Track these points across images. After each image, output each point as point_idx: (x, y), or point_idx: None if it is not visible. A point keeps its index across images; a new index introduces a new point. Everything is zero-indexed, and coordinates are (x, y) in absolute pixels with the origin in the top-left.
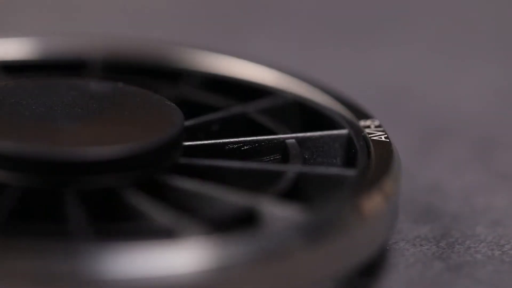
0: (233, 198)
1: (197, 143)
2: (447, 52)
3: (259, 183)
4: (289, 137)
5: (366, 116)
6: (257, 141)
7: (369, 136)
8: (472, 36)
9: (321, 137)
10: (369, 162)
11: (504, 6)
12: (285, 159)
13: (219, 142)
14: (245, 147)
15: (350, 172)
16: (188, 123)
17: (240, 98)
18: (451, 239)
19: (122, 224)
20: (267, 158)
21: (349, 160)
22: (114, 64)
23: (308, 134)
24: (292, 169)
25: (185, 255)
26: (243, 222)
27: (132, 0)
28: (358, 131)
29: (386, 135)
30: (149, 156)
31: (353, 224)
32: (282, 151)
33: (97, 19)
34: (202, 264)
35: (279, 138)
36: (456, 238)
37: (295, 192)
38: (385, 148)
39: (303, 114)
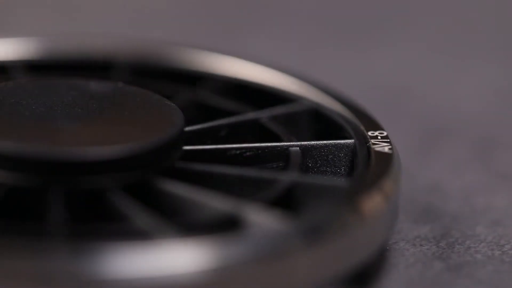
0: (217, 204)
1: (197, 148)
2: (447, 52)
3: (251, 190)
4: (293, 145)
5: (375, 127)
6: (260, 148)
7: (373, 146)
8: (472, 36)
9: (326, 146)
10: (366, 173)
11: (504, 6)
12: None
13: (221, 148)
14: (248, 154)
15: (342, 183)
16: (195, 127)
17: (256, 104)
18: (451, 239)
19: (118, 224)
20: (270, 165)
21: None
22: (137, 67)
23: (313, 142)
24: (284, 178)
25: (176, 257)
26: (227, 227)
27: (132, 0)
28: (363, 141)
29: (390, 147)
30: (147, 157)
31: (353, 224)
32: (285, 158)
33: (97, 19)
34: (201, 264)
35: (283, 146)
36: (456, 238)
37: (290, 199)
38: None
39: (316, 121)
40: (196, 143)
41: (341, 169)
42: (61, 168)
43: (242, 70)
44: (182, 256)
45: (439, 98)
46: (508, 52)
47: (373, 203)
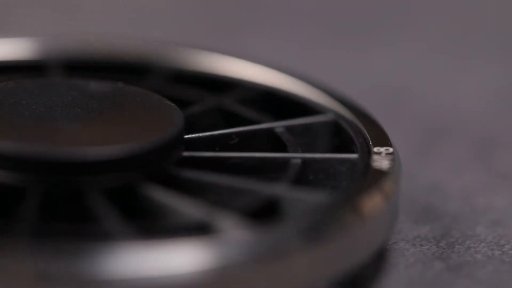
0: (192, 211)
1: (197, 155)
2: (447, 52)
3: (237, 199)
4: (295, 156)
5: (385, 142)
6: (260, 158)
7: (373, 163)
8: (472, 36)
9: (328, 159)
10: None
11: (504, 6)
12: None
13: (221, 156)
14: (249, 163)
15: (323, 198)
16: (205, 134)
17: (281, 113)
18: (451, 239)
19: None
20: (271, 176)
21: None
22: (167, 72)
23: (317, 155)
24: (268, 190)
25: (183, 255)
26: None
27: (132, 0)
28: (366, 157)
29: (390, 165)
30: (147, 156)
31: (353, 224)
32: (285, 170)
33: (97, 19)
34: (202, 264)
35: (285, 157)
36: (456, 238)
37: (273, 211)
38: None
39: (332, 134)
40: (205, 150)
41: (342, 183)
42: (61, 168)
43: (271, 79)
44: (178, 257)
45: (439, 98)
46: (508, 52)
47: (373, 203)
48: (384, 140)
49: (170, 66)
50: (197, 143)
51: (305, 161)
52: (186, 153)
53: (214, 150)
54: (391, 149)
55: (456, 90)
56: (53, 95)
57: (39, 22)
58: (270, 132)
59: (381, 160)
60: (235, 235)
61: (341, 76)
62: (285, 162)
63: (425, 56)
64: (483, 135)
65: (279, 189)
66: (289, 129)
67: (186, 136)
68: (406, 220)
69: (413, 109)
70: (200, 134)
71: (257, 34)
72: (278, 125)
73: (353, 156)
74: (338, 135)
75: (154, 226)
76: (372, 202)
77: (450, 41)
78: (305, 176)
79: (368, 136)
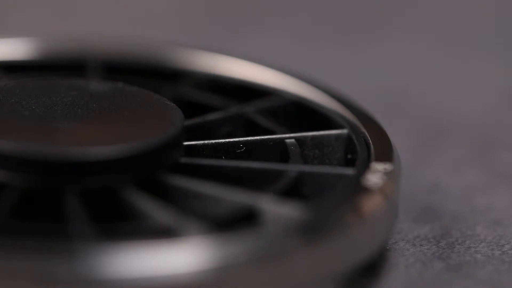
0: (163, 219)
1: (193, 161)
2: (447, 52)
3: (213, 207)
4: (293, 170)
5: (387, 158)
6: (257, 168)
7: (365, 181)
8: (472, 36)
9: (325, 173)
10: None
11: (504, 6)
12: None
13: (216, 165)
14: (245, 172)
15: (298, 212)
16: (211, 142)
17: (298, 124)
18: (451, 239)
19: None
20: (264, 186)
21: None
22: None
23: (314, 168)
24: (247, 200)
25: (183, 255)
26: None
27: (132, 0)
28: (360, 173)
29: (380, 184)
30: (148, 156)
31: (353, 224)
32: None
33: (97, 19)
34: (202, 264)
35: (281, 169)
36: (456, 238)
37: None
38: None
39: (344, 147)
40: (211, 157)
41: (332, 198)
42: (61, 168)
43: (294, 88)
44: (180, 256)
45: (439, 98)
46: (508, 52)
47: (373, 203)
48: (387, 157)
49: (198, 71)
50: (203, 150)
51: (301, 174)
52: (184, 159)
53: (220, 158)
54: (390, 167)
55: (456, 90)
56: (53, 95)
57: (39, 22)
58: (279, 142)
59: (372, 178)
60: (200, 241)
61: (341, 76)
62: (281, 174)
63: (425, 56)
64: (483, 135)
65: (259, 200)
66: (300, 140)
67: (192, 143)
68: (406, 220)
69: (413, 109)
70: (206, 141)
71: (257, 34)
72: (289, 136)
73: (349, 171)
74: (350, 149)
75: (119, 229)
76: (372, 202)
77: (450, 41)
78: (299, 188)
79: (373, 151)
